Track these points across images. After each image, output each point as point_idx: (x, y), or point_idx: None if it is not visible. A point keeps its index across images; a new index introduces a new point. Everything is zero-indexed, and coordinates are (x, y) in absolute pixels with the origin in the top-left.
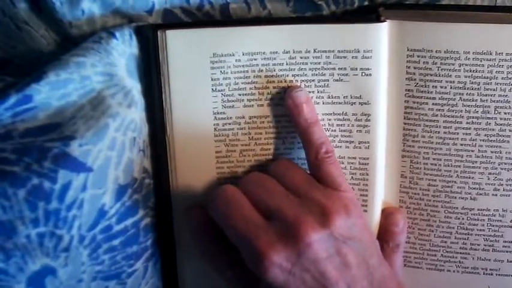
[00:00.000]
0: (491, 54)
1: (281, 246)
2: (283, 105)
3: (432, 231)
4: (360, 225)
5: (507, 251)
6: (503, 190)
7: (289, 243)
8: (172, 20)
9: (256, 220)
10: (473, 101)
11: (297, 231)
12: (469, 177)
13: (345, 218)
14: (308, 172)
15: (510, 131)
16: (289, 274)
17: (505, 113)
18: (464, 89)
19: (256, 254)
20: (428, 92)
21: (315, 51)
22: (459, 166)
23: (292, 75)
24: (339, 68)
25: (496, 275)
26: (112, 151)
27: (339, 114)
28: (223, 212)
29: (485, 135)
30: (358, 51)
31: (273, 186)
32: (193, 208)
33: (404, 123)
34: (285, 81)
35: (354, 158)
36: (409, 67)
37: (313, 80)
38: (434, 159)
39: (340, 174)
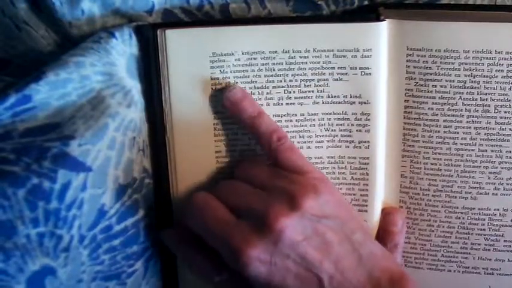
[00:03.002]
0: (491, 53)
1: (255, 239)
2: (282, 105)
3: (433, 231)
4: (332, 202)
5: (508, 251)
6: (504, 189)
7: (262, 234)
8: (172, 20)
9: (228, 219)
10: (473, 100)
11: (267, 220)
12: (470, 177)
13: (314, 198)
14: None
15: (510, 129)
16: (270, 265)
17: (505, 112)
18: (464, 88)
19: (233, 252)
20: (428, 91)
21: (314, 50)
22: (459, 165)
23: (292, 75)
24: (338, 67)
25: (497, 274)
26: (112, 151)
27: (338, 113)
28: (197, 217)
29: (485, 134)
30: (358, 51)
31: (240, 186)
32: (165, 230)
33: (404, 123)
34: (285, 81)
35: (354, 157)
36: (408, 66)
37: (312, 80)
38: (434, 158)
39: (299, 157)
